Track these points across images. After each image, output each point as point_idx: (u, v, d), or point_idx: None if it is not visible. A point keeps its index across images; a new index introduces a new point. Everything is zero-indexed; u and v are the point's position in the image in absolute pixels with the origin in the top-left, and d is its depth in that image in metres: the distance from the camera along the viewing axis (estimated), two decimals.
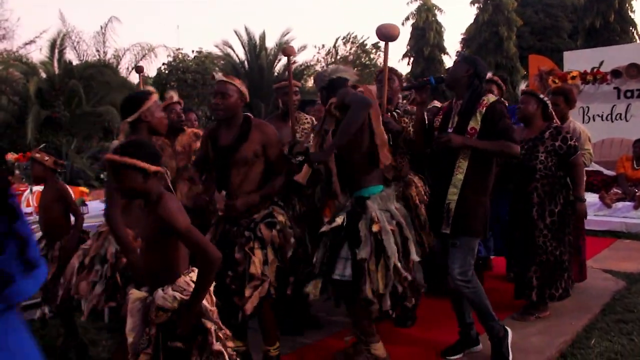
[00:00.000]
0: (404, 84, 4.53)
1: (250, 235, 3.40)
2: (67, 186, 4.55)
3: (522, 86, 4.57)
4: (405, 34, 25.10)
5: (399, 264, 3.34)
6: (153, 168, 2.36)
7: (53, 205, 4.11)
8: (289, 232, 3.51)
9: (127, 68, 18.83)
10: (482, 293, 3.54)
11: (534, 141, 4.32)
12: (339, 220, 3.43)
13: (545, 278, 4.28)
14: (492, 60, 20.75)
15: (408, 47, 23.29)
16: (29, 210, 6.68)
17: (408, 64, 23.58)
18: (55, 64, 17.50)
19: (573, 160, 4.27)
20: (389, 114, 4.22)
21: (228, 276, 3.35)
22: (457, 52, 26.31)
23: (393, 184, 3.94)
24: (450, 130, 3.53)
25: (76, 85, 16.03)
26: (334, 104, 3.45)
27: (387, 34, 4.07)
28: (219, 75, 3.65)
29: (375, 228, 3.34)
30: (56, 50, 17.53)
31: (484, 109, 3.42)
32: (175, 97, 4.55)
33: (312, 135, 3.86)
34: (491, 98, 3.49)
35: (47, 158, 4.16)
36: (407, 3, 23.30)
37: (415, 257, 3.41)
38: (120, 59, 18.86)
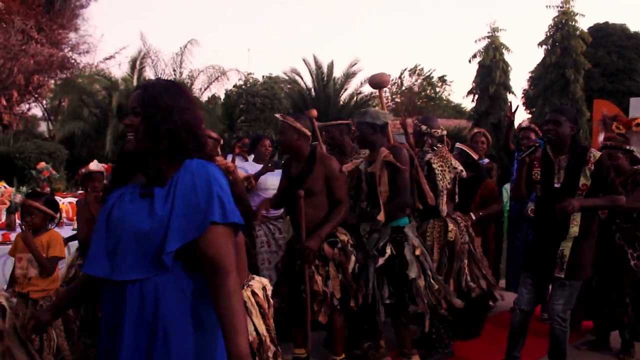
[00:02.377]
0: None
1: (315, 254, 3.85)
2: None
3: (601, 138, 4.64)
4: (471, 71, 25.26)
5: (439, 279, 3.99)
6: None
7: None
8: (350, 250, 3.93)
9: (200, 89, 19.87)
10: (568, 334, 3.84)
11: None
12: (389, 250, 3.91)
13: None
14: (557, 102, 20.64)
15: (473, 84, 23.33)
16: None
17: (472, 100, 23.57)
18: (135, 81, 18.68)
19: None
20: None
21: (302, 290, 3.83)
22: (524, 90, 26.27)
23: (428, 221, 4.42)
24: (557, 186, 3.78)
25: None
26: (386, 156, 3.96)
27: (378, 82, 4.54)
28: (278, 115, 4.13)
29: (417, 252, 3.93)
30: (136, 68, 18.73)
31: (593, 165, 3.68)
32: (215, 135, 4.65)
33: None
34: (596, 154, 3.73)
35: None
36: (475, 41, 23.44)
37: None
38: (194, 80, 19.93)
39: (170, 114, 1.88)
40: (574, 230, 3.71)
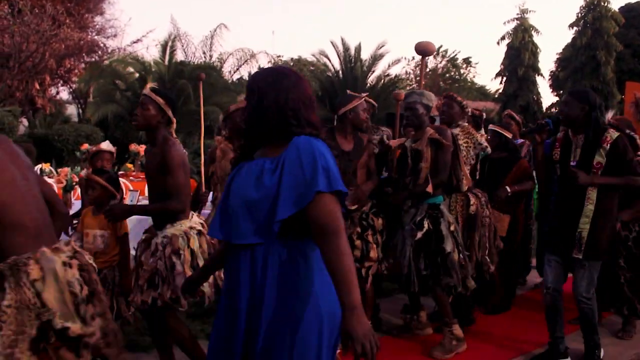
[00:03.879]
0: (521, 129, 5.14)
1: (366, 225, 4.25)
2: None
3: (610, 115, 4.84)
4: (498, 53, 25.09)
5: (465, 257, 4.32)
6: None
7: None
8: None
9: (230, 71, 19.95)
10: (596, 311, 3.98)
11: None
12: (426, 224, 4.16)
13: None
14: (588, 84, 20.47)
15: (502, 66, 23.23)
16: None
17: (500, 82, 23.53)
18: (166, 64, 18.81)
19: None
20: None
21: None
22: (551, 72, 26.03)
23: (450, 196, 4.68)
24: (573, 164, 3.88)
25: (186, 84, 17.20)
26: (432, 134, 4.19)
27: (423, 49, 4.69)
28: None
29: (452, 228, 4.21)
30: (167, 51, 18.84)
31: (608, 145, 3.75)
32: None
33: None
34: (614, 134, 3.78)
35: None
36: (504, 22, 23.32)
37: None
38: (224, 63, 20.02)
39: (275, 95, 2.06)
40: (589, 208, 3.78)
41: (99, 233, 3.91)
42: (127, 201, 6.34)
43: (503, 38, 23.05)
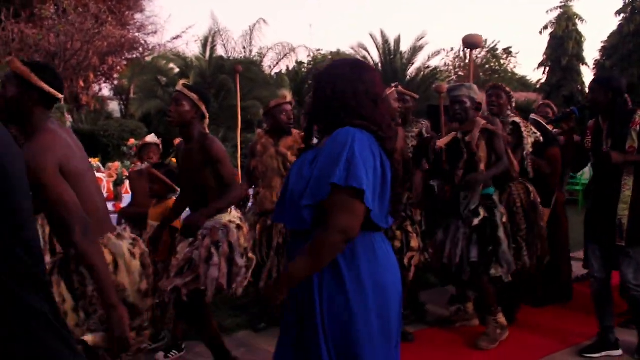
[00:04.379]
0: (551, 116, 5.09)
1: (405, 215, 4.34)
2: None
3: None
4: (542, 42, 24.48)
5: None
6: None
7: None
8: None
9: (270, 66, 20.06)
10: None
11: None
12: (482, 212, 4.17)
13: None
14: (636, 72, 19.91)
15: (544, 56, 22.66)
16: None
17: (543, 72, 22.94)
18: (207, 59, 19.01)
19: None
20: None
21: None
22: (595, 61, 25.35)
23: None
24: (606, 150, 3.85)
25: (226, 79, 17.38)
26: (484, 124, 4.22)
27: (472, 42, 4.67)
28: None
29: (504, 219, 4.23)
30: (208, 47, 19.05)
31: (638, 126, 3.72)
32: (289, 97, 4.53)
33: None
34: None
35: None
36: (547, 11, 22.73)
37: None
38: (264, 57, 20.14)
39: (324, 87, 2.11)
40: (627, 194, 3.76)
41: (157, 224, 4.00)
42: None
43: (546, 27, 22.44)
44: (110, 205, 5.80)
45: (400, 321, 2.17)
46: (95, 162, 9.93)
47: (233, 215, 3.54)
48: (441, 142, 4.34)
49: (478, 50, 36.05)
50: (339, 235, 1.92)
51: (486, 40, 35.43)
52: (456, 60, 35.37)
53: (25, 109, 2.33)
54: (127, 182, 7.71)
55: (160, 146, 5.14)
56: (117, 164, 8.51)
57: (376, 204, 2.00)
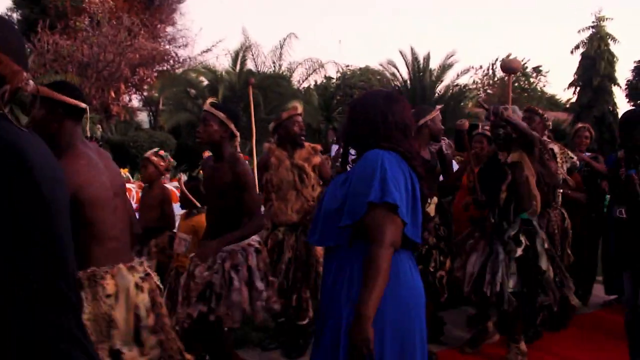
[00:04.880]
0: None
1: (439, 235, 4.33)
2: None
3: None
4: (573, 62, 24.30)
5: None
6: None
7: (155, 205, 4.51)
8: None
9: (299, 80, 20.14)
10: None
11: None
12: (523, 240, 4.00)
13: None
14: None
15: (575, 76, 22.43)
16: None
17: (574, 93, 22.70)
18: (237, 73, 19.18)
19: None
20: None
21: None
22: (627, 81, 25.03)
23: None
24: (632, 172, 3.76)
25: (256, 94, 17.44)
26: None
27: (510, 67, 4.58)
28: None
29: (546, 245, 4.06)
30: (239, 61, 19.23)
31: None
32: (300, 109, 4.45)
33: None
34: None
35: (162, 163, 4.60)
36: (579, 31, 22.53)
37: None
38: (293, 72, 20.25)
39: (357, 114, 2.30)
40: None
41: (184, 237, 4.00)
42: None
43: (577, 47, 22.26)
44: (138, 215, 5.82)
45: (425, 343, 2.19)
46: (124, 172, 10.03)
47: (252, 237, 3.47)
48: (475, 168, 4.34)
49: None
50: (391, 248, 2.02)
51: (515, 57, 35.25)
52: (485, 78, 35.15)
53: (55, 126, 2.35)
54: None
55: (165, 162, 5.06)
56: None
57: (409, 219, 2.09)
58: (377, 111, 2.22)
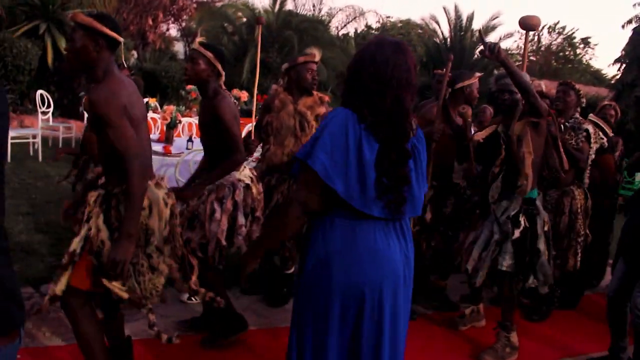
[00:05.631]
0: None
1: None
2: None
3: None
4: (623, 37, 23.37)
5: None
6: None
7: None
8: None
9: (337, 27, 19.81)
10: None
11: None
12: (523, 222, 3.75)
13: None
14: None
15: (623, 52, 21.61)
16: None
17: (619, 69, 21.90)
18: (276, 13, 18.93)
19: None
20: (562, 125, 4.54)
21: None
22: None
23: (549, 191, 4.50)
24: None
25: (291, 36, 17.30)
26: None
27: (528, 24, 3.93)
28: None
29: (546, 227, 3.86)
30: (278, 1, 18.95)
31: None
32: (318, 56, 4.27)
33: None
34: None
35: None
36: (634, 5, 21.59)
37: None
38: (332, 17, 19.91)
39: (352, 64, 2.16)
40: None
41: None
42: None
43: (630, 22, 21.36)
44: (160, 147, 5.87)
45: (398, 316, 2.16)
46: (152, 101, 10.05)
47: (244, 173, 3.54)
48: (480, 136, 3.94)
49: (554, 35, 34.84)
50: (298, 207, 2.06)
51: (564, 26, 34.16)
52: (530, 44, 34.15)
53: (94, 55, 2.53)
54: (179, 126, 7.82)
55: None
56: (172, 107, 8.60)
57: (353, 187, 2.00)
58: (359, 60, 2.11)
